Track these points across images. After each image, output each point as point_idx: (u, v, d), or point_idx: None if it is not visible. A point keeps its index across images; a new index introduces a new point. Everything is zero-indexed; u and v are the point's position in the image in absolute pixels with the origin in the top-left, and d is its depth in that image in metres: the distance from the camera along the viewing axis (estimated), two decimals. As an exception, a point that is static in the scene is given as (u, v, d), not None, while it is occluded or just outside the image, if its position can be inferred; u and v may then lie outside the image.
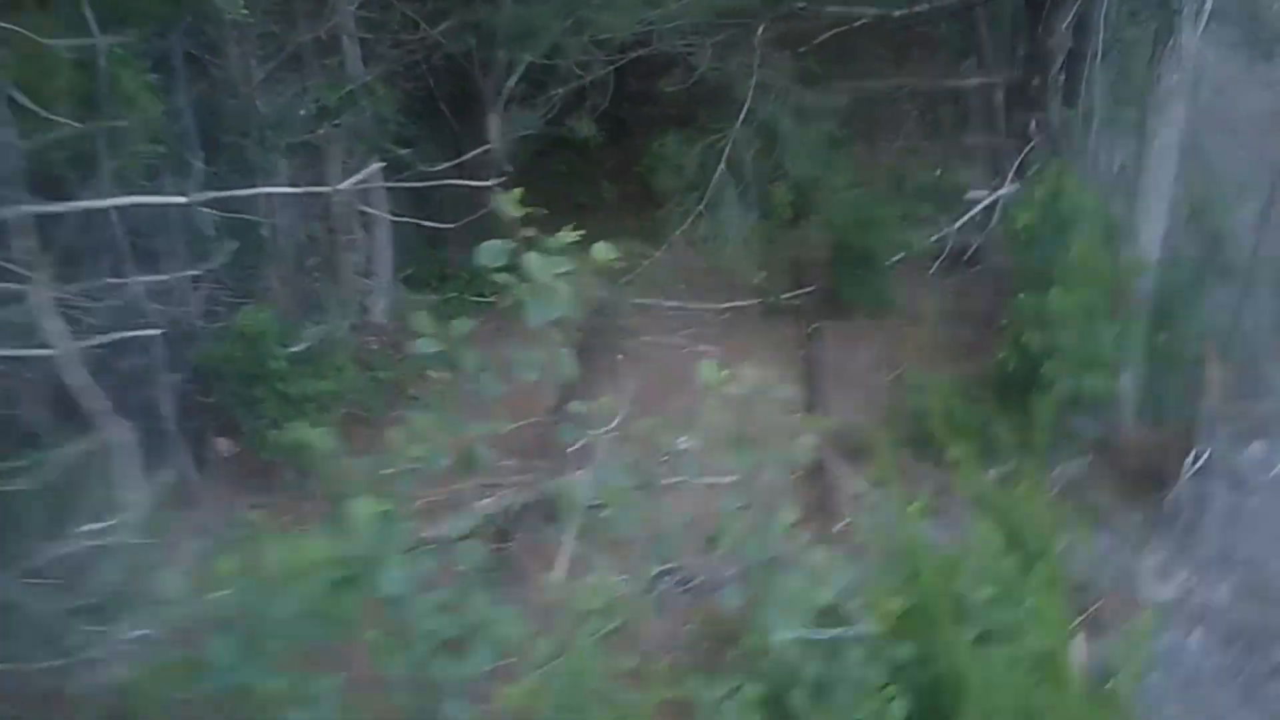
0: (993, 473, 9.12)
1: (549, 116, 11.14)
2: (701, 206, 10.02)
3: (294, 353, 9.78)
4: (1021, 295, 9.40)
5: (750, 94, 9.83)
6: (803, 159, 9.87)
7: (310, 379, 9.67)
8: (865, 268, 11.96)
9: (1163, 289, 9.89)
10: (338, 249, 13.10)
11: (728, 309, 13.08)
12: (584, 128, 10.37)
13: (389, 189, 13.98)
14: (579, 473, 8.67)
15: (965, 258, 13.61)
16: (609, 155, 15.53)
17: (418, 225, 14.41)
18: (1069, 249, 9.36)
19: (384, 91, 12.65)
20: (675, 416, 9.97)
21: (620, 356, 12.01)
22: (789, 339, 12.34)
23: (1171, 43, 9.14)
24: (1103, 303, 9.33)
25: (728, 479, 9.58)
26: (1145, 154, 9.50)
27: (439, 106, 14.10)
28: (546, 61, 10.58)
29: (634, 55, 10.44)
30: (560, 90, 10.64)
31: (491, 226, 11.37)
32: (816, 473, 9.54)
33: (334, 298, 12.18)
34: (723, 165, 9.74)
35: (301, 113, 11.62)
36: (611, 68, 10.28)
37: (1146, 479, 9.46)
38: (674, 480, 9.42)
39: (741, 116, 9.75)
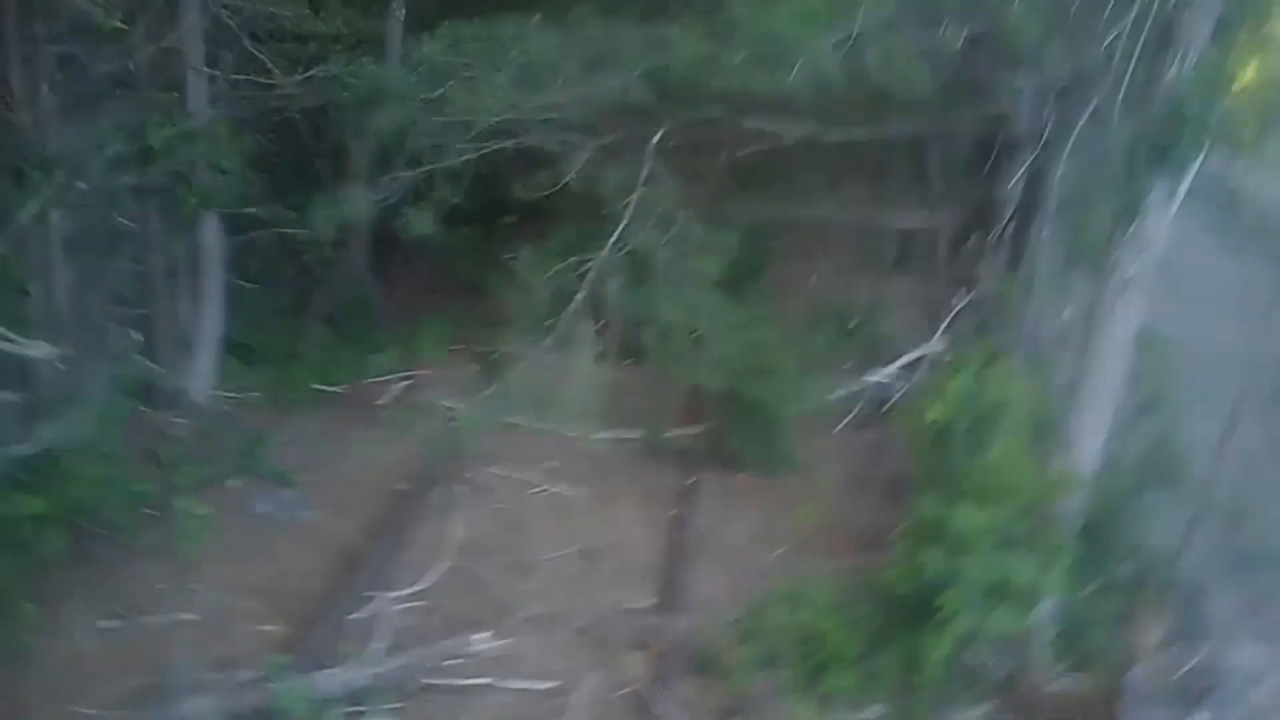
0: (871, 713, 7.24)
1: (386, 202, 9.12)
2: (548, 340, 8.01)
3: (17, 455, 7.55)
4: (924, 502, 7.51)
5: (629, 213, 7.90)
6: (676, 304, 7.92)
7: (27, 492, 7.44)
8: (758, 420, 10.09)
9: (1098, 507, 8.10)
10: (158, 315, 10.95)
11: (603, 439, 10.97)
12: (419, 223, 8.35)
13: (232, 251, 12.04)
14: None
15: (883, 409, 11.74)
16: (505, 231, 13.74)
17: (263, 293, 12.55)
18: (987, 452, 7.50)
19: (229, 138, 10.60)
20: (502, 580, 8.01)
21: (460, 488, 9.94)
22: (664, 488, 10.36)
23: (1133, 228, 7.41)
24: (1022, 524, 7.49)
25: (542, 686, 7.67)
26: (1092, 350, 7.75)
27: (300, 164, 12.11)
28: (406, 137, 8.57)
29: (497, 146, 8.45)
30: (405, 173, 8.60)
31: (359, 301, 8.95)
32: (651, 691, 7.51)
33: (125, 374, 9.95)
34: (581, 295, 7.76)
35: (113, 151, 9.49)
36: (465, 157, 8.28)
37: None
38: (472, 682, 7.52)
39: (611, 240, 7.81)
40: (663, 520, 9.80)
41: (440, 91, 8.94)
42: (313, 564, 8.52)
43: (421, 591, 8.31)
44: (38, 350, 6.14)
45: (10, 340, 6.48)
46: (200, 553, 7.98)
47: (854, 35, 7.29)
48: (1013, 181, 11.56)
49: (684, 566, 8.89)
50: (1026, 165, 10.92)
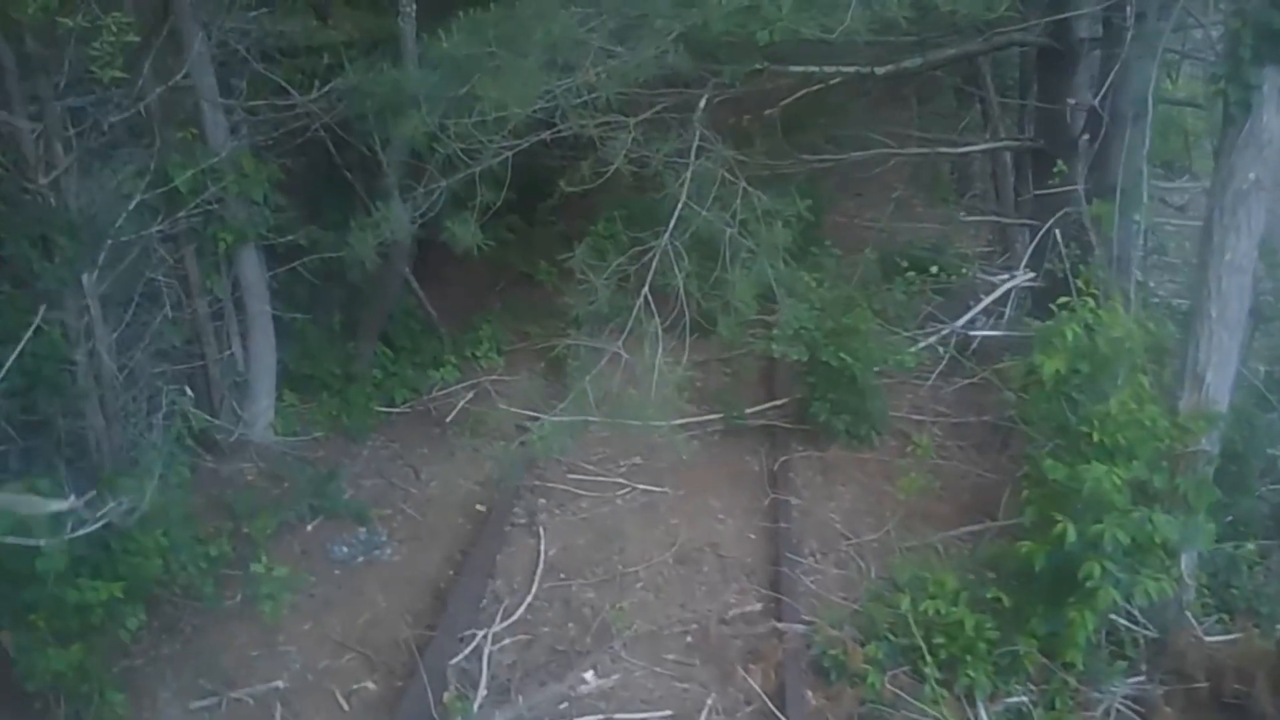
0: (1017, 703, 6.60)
1: (426, 216, 8.54)
2: (620, 345, 7.39)
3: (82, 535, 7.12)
4: (1044, 462, 6.79)
5: (684, 192, 7.22)
6: (746, 282, 7.24)
7: (96, 576, 7.03)
8: (842, 387, 9.37)
9: (1230, 439, 7.31)
10: (209, 361, 10.54)
11: (680, 427, 10.32)
12: (462, 234, 7.75)
13: (276, 282, 11.59)
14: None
15: (970, 351, 10.98)
16: (551, 215, 13.20)
17: (312, 321, 12.11)
18: (1108, 400, 6.76)
19: (255, 167, 10.12)
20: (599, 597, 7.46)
21: (541, 500, 9.42)
22: (753, 473, 9.74)
23: (1248, 126, 6.59)
24: (1159, 474, 6.74)
25: (658, 716, 7.12)
26: (1212, 269, 6.92)
27: (332, 181, 11.59)
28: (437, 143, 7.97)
29: (534, 139, 7.82)
30: (439, 182, 8.00)
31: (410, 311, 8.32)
32: (776, 706, 6.94)
33: (181, 431, 9.57)
34: (645, 291, 7.12)
35: (137, 201, 9.03)
36: (501, 157, 7.66)
37: (1224, 707, 6.86)
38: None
39: (672, 224, 7.15)
40: (756, 509, 9.20)
41: (466, 88, 8.34)
42: (401, 605, 8.07)
43: (517, 623, 7.80)
44: (57, 504, 5.64)
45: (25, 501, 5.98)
46: (283, 612, 7.53)
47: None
48: (1090, 79, 10.72)
49: (786, 559, 8.25)
50: (1102, 69, 10.08)
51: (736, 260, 7.21)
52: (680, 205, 7.25)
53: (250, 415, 10.88)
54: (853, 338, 9.20)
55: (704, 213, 7.22)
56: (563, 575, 8.40)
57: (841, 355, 9.08)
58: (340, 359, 11.91)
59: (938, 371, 10.54)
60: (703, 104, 7.92)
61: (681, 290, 7.12)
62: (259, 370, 10.89)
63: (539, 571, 8.40)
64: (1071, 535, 6.49)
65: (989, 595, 7.01)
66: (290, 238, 11.02)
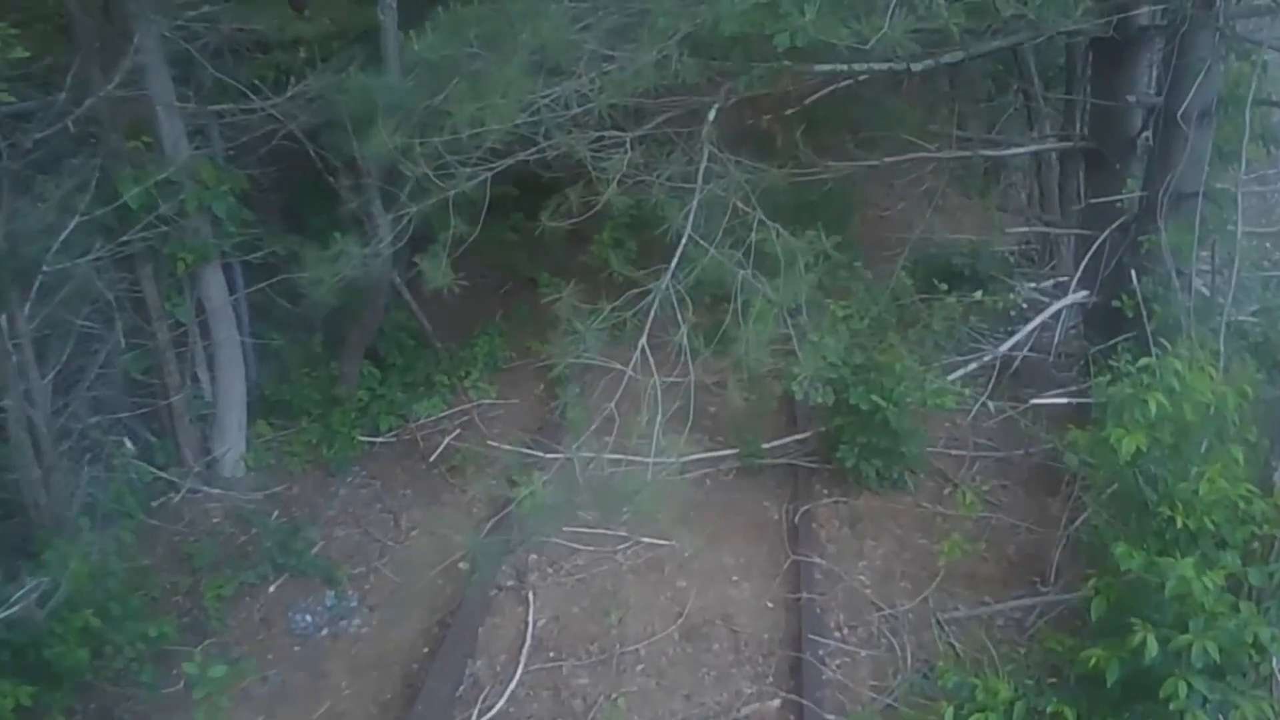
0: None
1: (391, 248, 7.43)
2: (612, 405, 6.27)
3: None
4: (1119, 549, 5.65)
5: (689, 224, 6.07)
6: (761, 340, 6.09)
7: (9, 677, 6.02)
8: (873, 429, 8.23)
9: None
10: (171, 393, 9.51)
11: (691, 464, 9.18)
12: (433, 273, 6.65)
13: (251, 300, 10.55)
14: None
15: (1013, 370, 9.83)
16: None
17: (291, 341, 11.06)
18: (1192, 475, 5.61)
19: (216, 178, 9.03)
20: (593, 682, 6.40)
21: (533, 557, 8.33)
22: (771, 522, 8.64)
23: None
24: (1256, 570, 5.58)
25: None
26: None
27: (310, 188, 10.48)
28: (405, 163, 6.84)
29: (516, 159, 6.68)
30: (411, 209, 6.88)
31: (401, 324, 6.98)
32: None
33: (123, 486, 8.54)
34: (643, 343, 5.99)
35: (76, 221, 7.97)
36: (477, 179, 6.53)
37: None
38: None
39: (674, 262, 6.01)
40: (775, 570, 8.09)
41: (442, 96, 7.21)
42: (367, 693, 7.05)
43: (499, 716, 6.75)
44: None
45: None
46: (228, 705, 6.52)
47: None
48: (1149, 71, 9.49)
49: (809, 641, 7.14)
50: (1165, 61, 8.84)
51: (750, 310, 6.04)
52: (684, 240, 6.07)
53: (219, 450, 9.88)
54: (885, 374, 8.03)
55: (712, 250, 6.06)
56: (553, 654, 7.34)
57: (873, 397, 7.91)
58: (322, 382, 10.87)
59: (979, 401, 9.32)
60: (712, 115, 6.74)
61: (685, 343, 5.96)
62: (227, 400, 9.85)
63: (525, 648, 7.35)
64: (1153, 648, 5.34)
65: (1049, 709, 5.88)
66: (262, 254, 9.97)
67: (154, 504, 8.95)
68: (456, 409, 10.55)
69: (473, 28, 7.27)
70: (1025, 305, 11.35)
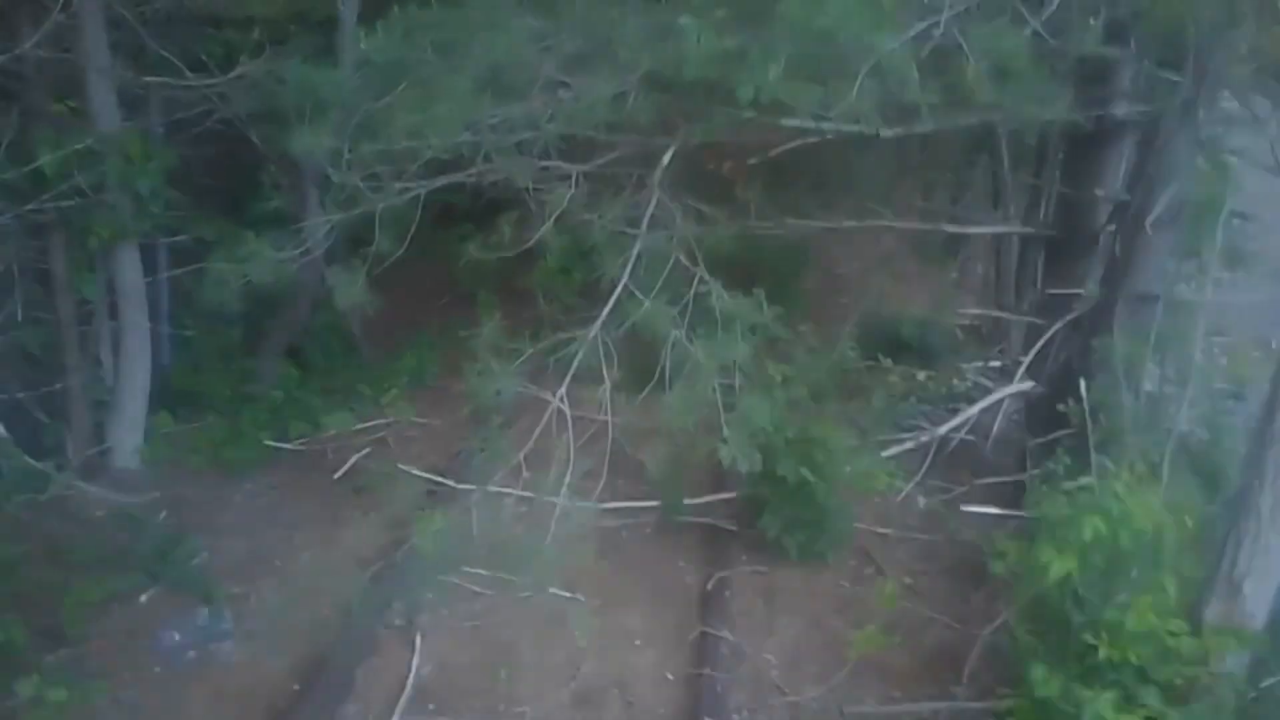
0: None
1: (308, 255, 6.92)
2: (529, 444, 5.82)
3: None
4: (1037, 672, 5.29)
5: (626, 272, 5.66)
6: (688, 409, 5.69)
7: None
8: (800, 503, 7.85)
9: (1263, 673, 5.84)
10: (70, 373, 8.90)
11: (607, 512, 8.74)
12: (346, 289, 6.17)
13: (171, 286, 10.00)
14: None
15: (949, 451, 9.53)
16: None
17: (209, 330, 10.48)
18: (1124, 605, 5.28)
19: (144, 153, 8.47)
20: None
21: (427, 595, 7.81)
22: (684, 585, 8.21)
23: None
24: (1178, 712, 5.24)
25: None
26: (1270, 455, 5.44)
27: (246, 175, 9.96)
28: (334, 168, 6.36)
29: (452, 179, 6.23)
30: (334, 215, 6.40)
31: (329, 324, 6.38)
32: None
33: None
34: (562, 392, 5.55)
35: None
36: (409, 194, 6.06)
37: None
38: None
39: (606, 310, 5.59)
40: (682, 639, 7.65)
41: (386, 101, 6.76)
42: (226, 732, 6.47)
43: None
44: None
45: None
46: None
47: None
48: (1120, 165, 9.28)
49: (706, 717, 6.71)
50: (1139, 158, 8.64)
51: (679, 372, 5.62)
52: (620, 289, 5.65)
53: (115, 438, 9.30)
54: (817, 448, 7.66)
55: (647, 302, 5.64)
56: (433, 706, 6.84)
57: (803, 471, 7.53)
58: (235, 377, 10.33)
59: (910, 484, 9.00)
60: (666, 159, 6.34)
61: (606, 402, 5.54)
62: (129, 388, 9.27)
63: (405, 697, 6.83)
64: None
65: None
66: (188, 237, 9.42)
67: (36, 493, 8.25)
68: (372, 422, 10.01)
69: (429, 32, 6.84)
70: (969, 385, 11.12)
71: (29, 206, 7.87)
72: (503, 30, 6.60)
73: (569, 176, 6.03)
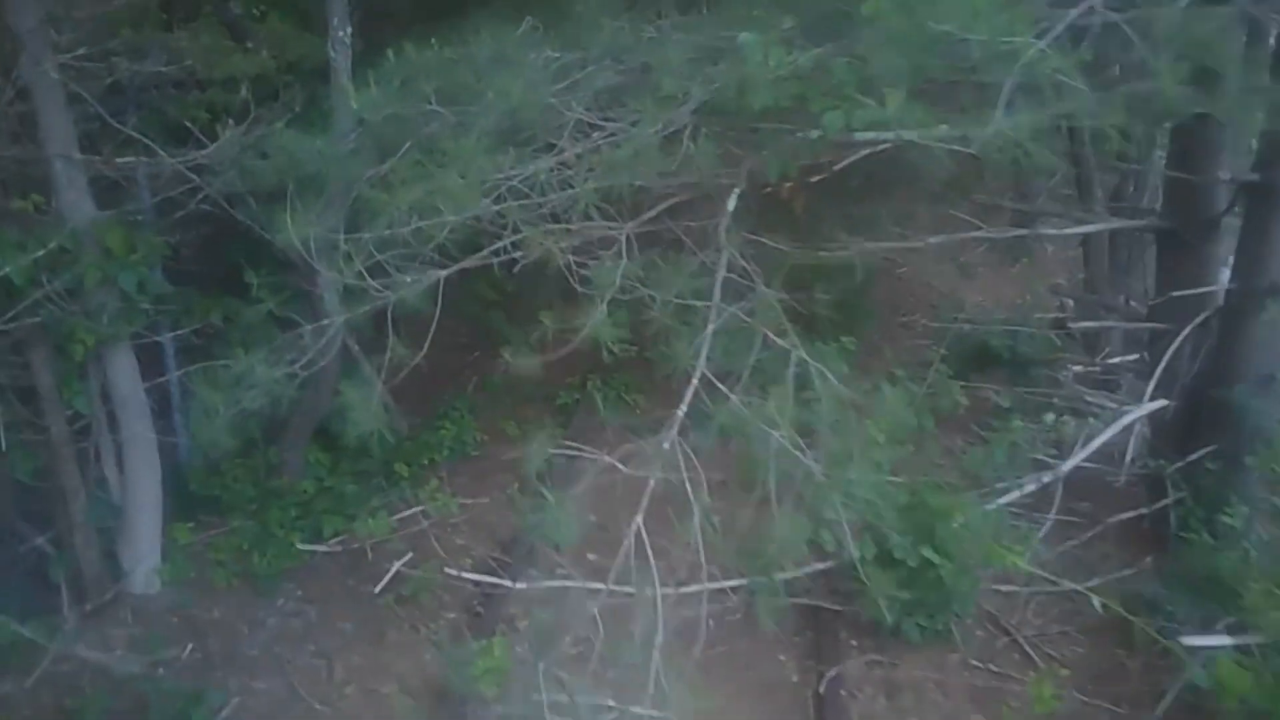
0: None
1: (308, 369, 5.73)
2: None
3: None
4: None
5: (701, 360, 4.42)
6: (797, 533, 4.46)
7: None
8: (922, 585, 6.57)
9: None
10: (68, 496, 7.83)
11: (689, 598, 7.47)
12: (362, 413, 5.01)
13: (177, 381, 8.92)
14: None
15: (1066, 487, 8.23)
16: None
17: (231, 420, 9.32)
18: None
19: (124, 246, 7.38)
20: None
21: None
22: (790, 688, 7.00)
23: None
24: None
25: None
26: None
27: (254, 245, 8.83)
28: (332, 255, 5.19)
29: (474, 262, 5.03)
30: (340, 318, 5.22)
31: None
32: None
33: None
34: (637, 523, 4.34)
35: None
36: (424, 283, 4.88)
37: None
38: None
39: (681, 411, 4.36)
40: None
41: (385, 167, 5.58)
42: None
43: None
44: None
45: None
46: None
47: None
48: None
49: None
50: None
51: (787, 489, 4.39)
52: (695, 383, 4.42)
53: (129, 562, 8.19)
54: (938, 519, 6.38)
55: (732, 396, 4.40)
56: None
57: (926, 553, 6.25)
58: (258, 471, 9.24)
59: (1040, 530, 7.71)
60: (732, 204, 5.08)
61: (698, 535, 4.32)
62: (139, 506, 8.17)
63: None
64: None
65: None
66: (191, 327, 8.35)
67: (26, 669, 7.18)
68: (412, 510, 8.90)
69: (431, 79, 5.64)
70: (1068, 396, 9.80)
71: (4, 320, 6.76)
72: (517, 67, 5.40)
73: (615, 242, 4.76)
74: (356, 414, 4.96)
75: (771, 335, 4.46)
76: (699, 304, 4.64)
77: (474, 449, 9.99)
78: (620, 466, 7.79)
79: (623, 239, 4.79)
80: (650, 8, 5.95)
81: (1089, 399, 9.00)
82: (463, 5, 8.39)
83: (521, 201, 4.73)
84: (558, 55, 5.50)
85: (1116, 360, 10.15)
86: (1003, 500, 7.65)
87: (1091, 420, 8.45)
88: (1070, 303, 10.32)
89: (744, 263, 4.75)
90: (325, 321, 5.18)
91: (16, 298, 7.05)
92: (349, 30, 7.69)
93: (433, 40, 5.93)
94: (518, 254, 4.77)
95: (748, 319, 4.48)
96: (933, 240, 7.62)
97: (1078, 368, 10.24)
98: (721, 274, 4.68)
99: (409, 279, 4.78)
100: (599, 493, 8.12)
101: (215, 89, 8.42)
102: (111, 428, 8.14)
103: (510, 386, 10.55)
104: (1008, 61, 3.45)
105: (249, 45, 8.76)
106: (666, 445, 4.27)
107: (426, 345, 5.12)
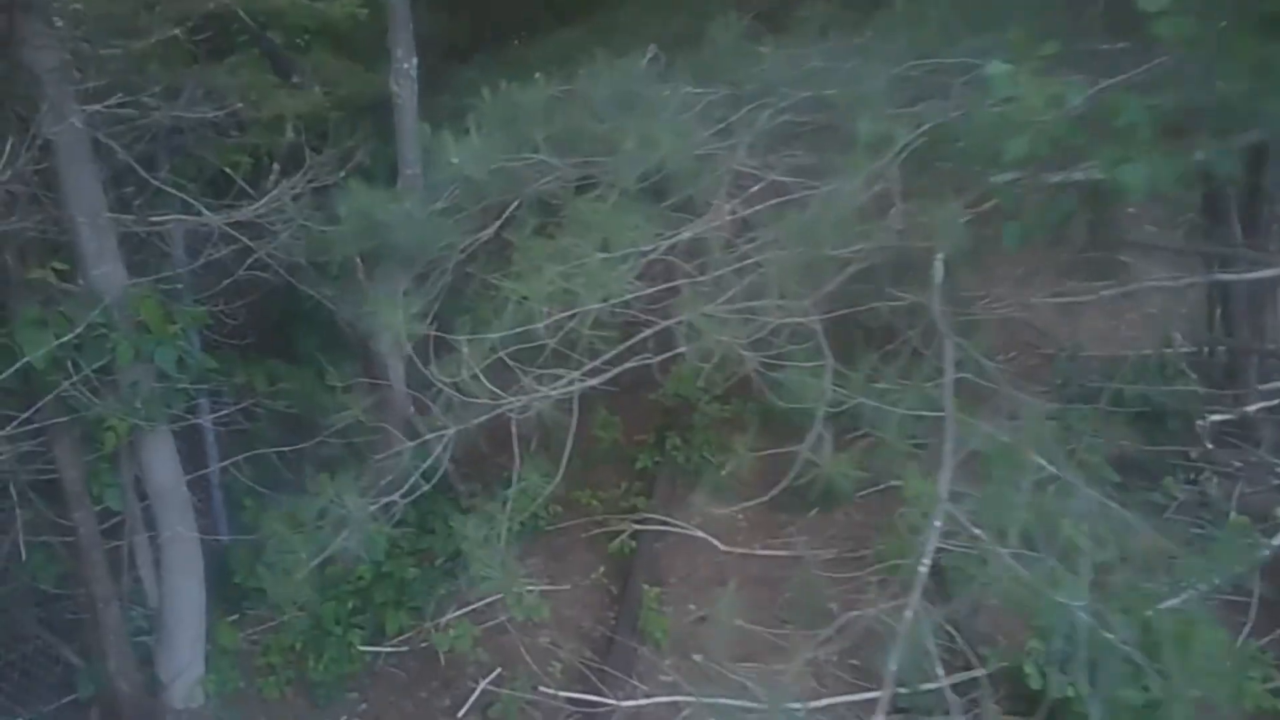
0: None
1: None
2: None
3: None
4: None
5: (946, 481, 3.24)
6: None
7: None
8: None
9: None
10: (98, 603, 6.70)
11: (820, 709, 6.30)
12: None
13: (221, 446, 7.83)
14: None
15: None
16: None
17: (280, 503, 8.20)
18: None
19: (160, 318, 6.25)
20: None
21: None
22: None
23: None
24: None
25: None
26: None
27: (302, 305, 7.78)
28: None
29: (623, 366, 3.85)
30: (448, 431, 4.06)
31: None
32: None
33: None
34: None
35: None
36: (560, 393, 3.72)
37: None
38: None
39: (929, 544, 3.18)
40: None
41: (490, 231, 4.43)
42: None
43: None
44: None
45: None
46: None
47: None
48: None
49: None
50: None
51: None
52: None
53: (167, 673, 7.04)
54: (1166, 646, 5.13)
55: (981, 536, 3.23)
56: None
57: (1150, 690, 5.01)
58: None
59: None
60: (938, 275, 3.89)
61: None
62: (180, 608, 7.01)
63: None
64: None
65: None
66: (231, 408, 7.24)
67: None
68: (486, 601, 7.72)
69: (539, 123, 4.49)
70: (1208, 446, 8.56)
71: (19, 419, 5.62)
72: (653, 105, 4.24)
73: (809, 339, 3.59)
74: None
75: (1044, 462, 3.27)
76: (927, 415, 3.45)
77: (547, 522, 8.80)
78: (717, 544, 6.61)
79: (818, 328, 3.61)
80: (797, 28, 4.79)
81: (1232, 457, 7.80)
82: (533, 27, 7.28)
83: (687, 281, 3.53)
84: (700, 91, 4.33)
85: (1253, 408, 8.92)
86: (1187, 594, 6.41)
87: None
88: (1205, 349, 9.09)
89: (977, 356, 3.55)
90: (430, 435, 3.97)
91: (38, 383, 5.94)
92: (414, 62, 6.57)
93: (535, 74, 4.80)
94: (682, 349, 3.58)
95: (1005, 439, 3.28)
96: (1105, 291, 6.40)
97: (1214, 417, 8.98)
98: (951, 374, 3.49)
99: (540, 388, 3.59)
100: (693, 573, 6.92)
101: (258, 130, 7.34)
102: (147, 523, 7.00)
103: (582, 446, 9.36)
104: None
105: (295, 80, 7.64)
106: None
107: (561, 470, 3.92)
